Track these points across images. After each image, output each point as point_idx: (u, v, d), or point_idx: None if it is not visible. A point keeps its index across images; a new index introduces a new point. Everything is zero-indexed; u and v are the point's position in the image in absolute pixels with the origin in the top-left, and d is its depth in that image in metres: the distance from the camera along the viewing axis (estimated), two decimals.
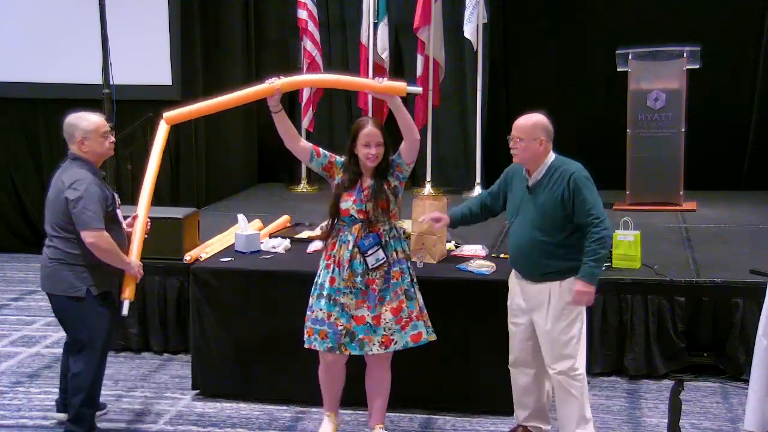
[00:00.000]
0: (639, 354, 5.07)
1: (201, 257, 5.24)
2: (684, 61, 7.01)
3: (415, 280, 4.20)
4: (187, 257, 5.33)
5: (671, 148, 7.09)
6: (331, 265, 4.12)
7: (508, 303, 4.21)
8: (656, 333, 5.05)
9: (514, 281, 4.18)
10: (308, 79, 4.34)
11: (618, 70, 7.14)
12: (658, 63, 7.11)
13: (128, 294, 4.25)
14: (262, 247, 5.29)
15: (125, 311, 4.25)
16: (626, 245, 5.19)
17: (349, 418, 4.63)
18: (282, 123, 4.14)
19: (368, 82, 4.09)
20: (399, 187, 4.16)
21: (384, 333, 4.09)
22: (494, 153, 8.21)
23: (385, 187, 4.08)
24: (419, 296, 4.20)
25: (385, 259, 4.07)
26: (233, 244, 5.35)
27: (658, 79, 7.11)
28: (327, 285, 4.12)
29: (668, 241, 6.03)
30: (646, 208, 6.97)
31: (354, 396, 4.41)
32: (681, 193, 7.12)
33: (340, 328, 4.09)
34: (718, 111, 7.90)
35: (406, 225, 5.35)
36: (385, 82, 4.10)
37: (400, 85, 4.07)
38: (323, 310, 4.11)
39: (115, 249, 4.11)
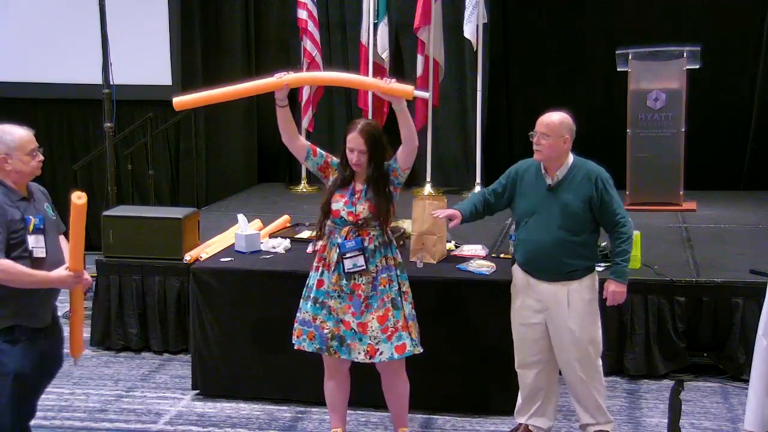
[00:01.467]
0: (639, 354, 5.07)
1: (201, 257, 5.24)
2: (684, 61, 7.01)
3: (404, 288, 4.11)
4: (187, 257, 5.34)
5: (671, 148, 7.09)
6: (320, 267, 4.09)
7: (517, 305, 4.17)
8: (656, 333, 5.05)
9: (523, 281, 4.13)
10: (316, 77, 4.31)
11: (618, 70, 7.14)
12: (658, 63, 7.10)
13: (75, 351, 3.75)
14: (262, 247, 5.29)
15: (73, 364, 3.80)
16: None
17: (349, 418, 4.64)
18: (284, 117, 4.12)
19: (376, 82, 4.02)
20: (393, 192, 4.08)
21: (369, 342, 4.03)
22: (494, 153, 8.22)
23: (379, 191, 4.02)
24: (407, 306, 4.10)
25: (364, 267, 4.00)
26: (233, 244, 5.35)
27: (658, 79, 7.10)
28: (314, 288, 4.10)
29: (668, 241, 6.03)
30: (646, 208, 6.96)
31: (357, 398, 4.41)
32: (681, 193, 7.12)
33: (325, 331, 4.06)
34: (718, 111, 7.90)
35: (406, 225, 5.36)
36: (393, 84, 4.01)
37: (408, 88, 4.00)
38: (309, 313, 4.10)
39: (25, 272, 3.45)
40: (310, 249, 5.22)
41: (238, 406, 4.88)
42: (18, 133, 3.57)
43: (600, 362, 4.15)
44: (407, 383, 4.20)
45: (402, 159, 4.05)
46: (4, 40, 8.38)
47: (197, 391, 5.03)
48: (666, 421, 4.59)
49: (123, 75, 6.76)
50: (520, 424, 4.31)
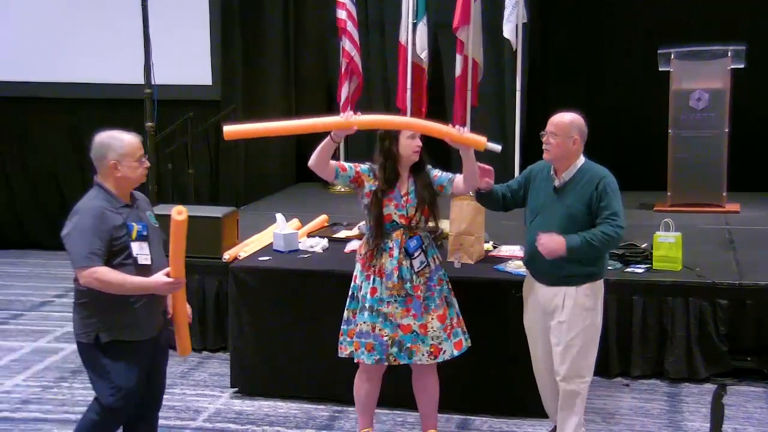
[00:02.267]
0: (680, 357, 5.00)
1: (240, 256, 5.28)
2: (728, 61, 6.90)
3: (449, 286, 4.17)
4: (226, 256, 5.37)
5: (714, 149, 6.98)
6: (371, 276, 4.05)
7: (526, 308, 4.15)
8: (698, 336, 4.98)
9: (529, 283, 4.12)
10: (386, 120, 4.06)
11: (660, 69, 7.05)
12: (701, 62, 7.00)
13: (181, 349, 3.76)
14: (300, 247, 5.32)
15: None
16: (667, 247, 5.13)
17: (386, 418, 4.64)
18: (329, 149, 3.99)
19: (448, 130, 3.93)
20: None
21: (432, 342, 4.04)
22: (533, 153, 8.12)
23: (431, 190, 4.05)
24: (456, 303, 4.18)
25: (427, 263, 4.04)
26: (271, 243, 5.38)
27: (700, 78, 7.00)
28: (368, 296, 4.05)
29: (710, 242, 5.94)
30: (687, 209, 6.86)
31: (394, 398, 4.42)
32: (724, 194, 7.01)
33: (385, 338, 4.04)
34: (763, 111, 7.76)
35: (444, 225, 5.34)
36: (466, 134, 3.93)
37: (480, 139, 3.90)
38: (367, 323, 4.06)
39: (120, 279, 3.44)
40: (347, 249, 5.23)
41: (276, 404, 4.90)
42: (127, 139, 3.55)
43: (590, 378, 4.02)
44: (438, 384, 4.21)
45: (457, 188, 4.07)
46: (48, 40, 8.50)
47: (235, 389, 5.07)
48: (708, 425, 4.51)
49: (164, 75, 6.82)
50: (556, 427, 4.27)
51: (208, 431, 4.64)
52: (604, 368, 5.13)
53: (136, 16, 6.67)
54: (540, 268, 4.01)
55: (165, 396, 4.98)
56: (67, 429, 4.62)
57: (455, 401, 4.64)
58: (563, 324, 3.95)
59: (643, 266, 5.18)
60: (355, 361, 4.14)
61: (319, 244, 5.33)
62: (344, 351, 4.15)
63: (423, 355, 4.04)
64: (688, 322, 4.98)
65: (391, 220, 4.02)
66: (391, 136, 4.03)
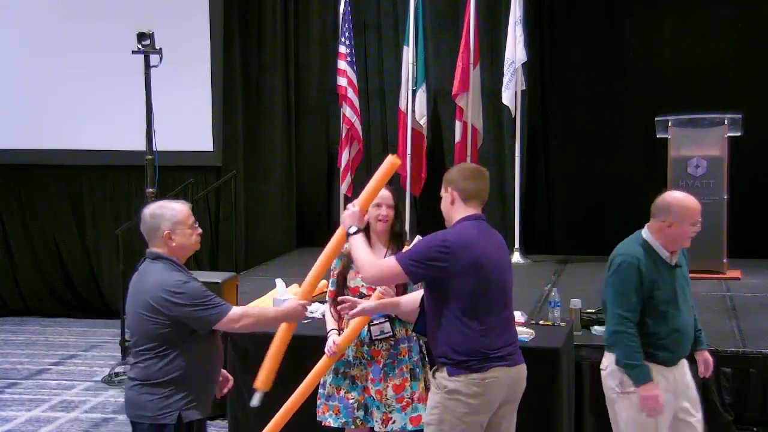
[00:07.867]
0: None
1: None
2: (725, 129, 6.96)
3: (426, 359, 4.11)
4: None
5: (713, 216, 6.98)
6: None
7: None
8: (702, 406, 4.89)
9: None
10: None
11: (658, 137, 7.11)
12: (698, 130, 7.07)
13: (260, 383, 3.73)
14: None
15: (256, 402, 3.74)
16: None
17: None
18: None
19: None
20: None
21: (384, 410, 4.01)
22: (532, 219, 8.17)
23: None
24: (429, 377, 4.06)
25: (391, 333, 4.01)
26: None
27: (698, 146, 7.06)
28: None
29: (712, 310, 5.89)
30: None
31: None
32: (724, 261, 7.00)
33: (351, 401, 4.04)
34: (761, 178, 7.80)
35: None
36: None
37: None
38: (332, 385, 4.08)
39: (260, 311, 3.60)
40: None
41: None
42: (178, 207, 3.53)
43: None
44: None
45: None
46: (49, 107, 8.60)
47: None
48: None
49: (165, 141, 6.88)
50: None
51: None
52: None
53: (137, 83, 6.75)
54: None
55: None
56: None
57: None
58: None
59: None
60: (323, 424, 4.10)
61: (319, 310, 5.29)
62: (320, 413, 4.16)
63: (377, 422, 4.01)
64: None
65: (358, 293, 4.04)
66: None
